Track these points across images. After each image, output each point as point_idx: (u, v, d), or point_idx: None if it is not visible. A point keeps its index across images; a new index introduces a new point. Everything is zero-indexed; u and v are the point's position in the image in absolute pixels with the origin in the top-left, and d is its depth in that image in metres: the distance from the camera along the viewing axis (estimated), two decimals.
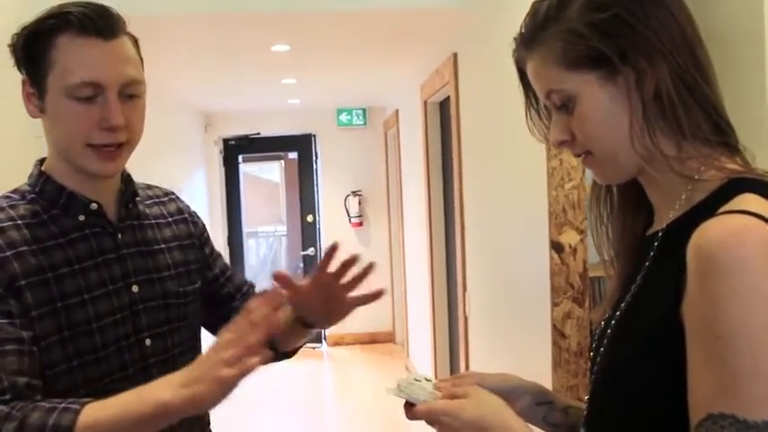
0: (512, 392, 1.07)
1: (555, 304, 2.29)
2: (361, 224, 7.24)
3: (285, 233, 7.64)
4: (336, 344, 7.30)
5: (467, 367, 3.65)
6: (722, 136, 0.88)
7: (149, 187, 1.44)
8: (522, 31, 0.94)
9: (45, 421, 0.99)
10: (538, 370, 2.35)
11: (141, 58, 1.25)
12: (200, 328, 1.44)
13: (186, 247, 1.38)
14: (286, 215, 7.43)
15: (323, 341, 7.30)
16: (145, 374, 1.22)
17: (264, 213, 7.77)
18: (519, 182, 2.62)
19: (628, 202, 1.00)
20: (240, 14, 3.22)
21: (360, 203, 7.21)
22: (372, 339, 7.27)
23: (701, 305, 0.75)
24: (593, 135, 0.90)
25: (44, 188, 1.23)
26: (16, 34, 1.17)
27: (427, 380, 1.07)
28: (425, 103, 4.58)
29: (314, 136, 7.24)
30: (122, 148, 1.20)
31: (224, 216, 7.25)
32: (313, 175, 7.30)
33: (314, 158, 7.28)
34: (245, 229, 7.43)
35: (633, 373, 0.86)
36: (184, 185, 5.85)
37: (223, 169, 7.23)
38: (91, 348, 1.18)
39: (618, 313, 0.93)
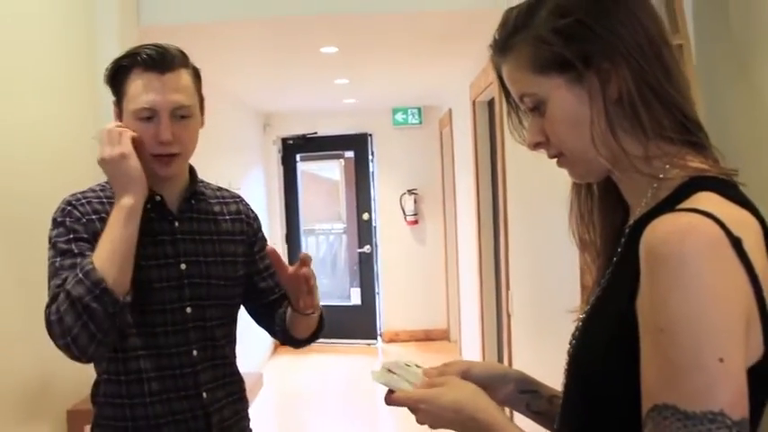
0: (496, 380, 1.12)
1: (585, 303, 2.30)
2: (416, 222, 7.30)
3: (341, 230, 7.76)
4: (392, 340, 7.38)
5: (510, 364, 3.67)
6: (688, 135, 0.90)
7: (220, 189, 1.75)
8: (495, 37, 0.97)
9: (75, 270, 1.38)
10: None
11: (200, 83, 1.58)
12: (237, 309, 1.72)
13: (237, 242, 1.67)
14: (346, 213, 7.56)
15: (378, 337, 7.39)
16: (184, 334, 1.55)
17: (324, 211, 7.90)
18: (552, 179, 2.64)
19: (608, 199, 1.02)
20: (289, 18, 3.33)
21: (415, 202, 7.27)
22: (427, 336, 7.32)
23: (648, 299, 0.79)
24: (562, 137, 0.93)
25: None
26: (107, 68, 1.53)
27: (417, 366, 1.12)
28: (474, 101, 4.60)
29: (370, 135, 7.34)
30: (176, 157, 1.53)
31: (282, 214, 7.42)
32: (369, 174, 7.40)
33: (370, 157, 7.38)
34: (303, 226, 7.59)
35: (596, 369, 0.89)
36: (242, 183, 6.03)
37: (281, 168, 7.40)
38: (142, 301, 1.49)
39: (588, 307, 0.97)
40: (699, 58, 2.58)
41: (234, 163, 5.88)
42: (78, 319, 1.34)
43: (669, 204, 0.84)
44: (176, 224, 1.58)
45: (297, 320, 1.65)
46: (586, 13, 0.89)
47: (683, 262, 0.75)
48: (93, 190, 1.57)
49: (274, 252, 1.53)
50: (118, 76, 1.51)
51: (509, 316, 3.63)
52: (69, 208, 1.50)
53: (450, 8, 3.18)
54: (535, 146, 0.97)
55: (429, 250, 7.31)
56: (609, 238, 1.01)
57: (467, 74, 4.72)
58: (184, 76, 1.52)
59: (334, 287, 7.89)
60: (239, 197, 1.76)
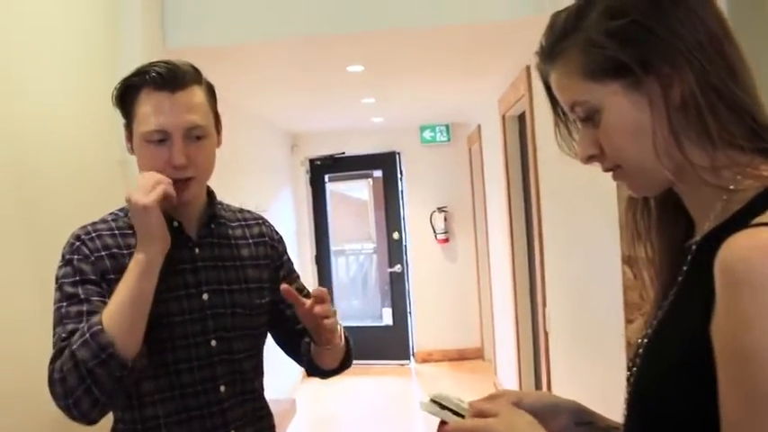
0: (549, 411, 1.04)
1: (628, 321, 2.21)
2: (447, 240, 7.22)
3: (371, 250, 7.70)
4: (424, 360, 7.27)
5: (548, 384, 3.56)
6: (759, 142, 0.82)
7: (241, 211, 1.65)
8: (542, 43, 0.91)
9: (82, 329, 1.27)
10: (614, 388, 2.27)
11: (215, 101, 1.49)
12: (264, 338, 1.63)
13: (262, 267, 1.58)
14: (375, 232, 7.51)
15: (411, 357, 7.29)
16: (210, 369, 1.45)
17: (354, 231, 7.87)
18: (590, 195, 2.56)
19: (667, 213, 0.95)
20: (314, 38, 3.30)
21: (445, 220, 7.20)
22: (461, 356, 7.20)
23: (727, 324, 0.71)
24: (620, 148, 0.86)
25: None
26: (115, 88, 1.43)
27: (460, 400, 1.06)
28: (504, 117, 4.53)
29: (398, 154, 7.29)
30: (191, 181, 1.42)
31: (311, 235, 7.39)
32: (398, 193, 7.34)
33: (399, 176, 7.33)
34: (333, 247, 7.55)
35: (663, 396, 0.81)
36: (271, 205, 6.01)
37: (310, 189, 7.38)
38: (162, 339, 1.40)
39: (650, 331, 0.89)
40: None
41: (262, 185, 5.87)
42: (81, 383, 1.23)
43: (743, 218, 0.76)
44: (196, 251, 1.48)
45: (321, 353, 1.56)
46: (642, 14, 0.82)
47: (765, 282, 0.67)
48: (104, 221, 1.47)
49: (289, 291, 1.40)
50: (127, 96, 1.41)
51: (546, 334, 3.53)
52: (78, 244, 1.40)
53: (475, 22, 3.12)
54: (588, 159, 0.90)
55: (460, 268, 7.22)
56: (670, 255, 0.93)
57: (495, 89, 4.66)
58: (197, 94, 1.42)
59: (365, 307, 7.82)
60: (262, 218, 1.67)
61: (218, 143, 1.51)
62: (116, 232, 1.44)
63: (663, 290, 0.92)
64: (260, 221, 1.64)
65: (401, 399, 6.35)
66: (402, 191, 7.34)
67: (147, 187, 1.34)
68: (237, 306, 1.49)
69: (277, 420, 2.93)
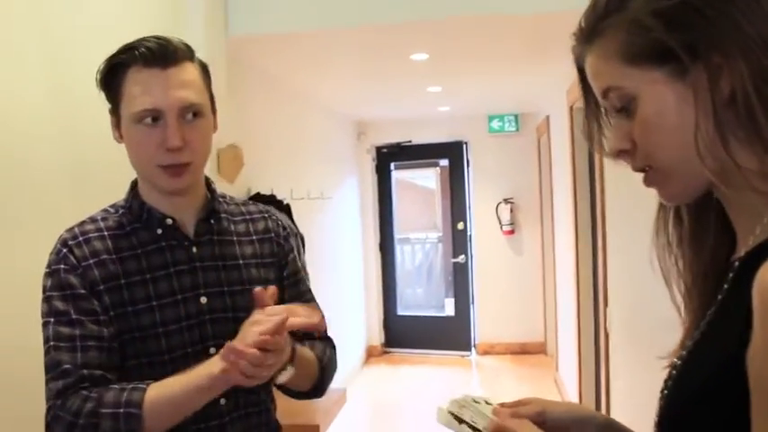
0: (576, 425, 0.99)
1: None
2: (512, 232, 7.09)
3: (435, 240, 7.64)
4: (486, 353, 7.19)
5: (607, 386, 3.45)
6: None
7: (246, 204, 1.51)
8: (581, 23, 0.83)
9: (119, 398, 1.18)
10: None
11: (209, 80, 1.35)
12: None
13: (267, 266, 1.44)
14: (441, 222, 7.46)
15: (472, 349, 7.22)
16: None
17: (420, 220, 7.83)
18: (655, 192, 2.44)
19: (702, 225, 0.86)
20: (377, 25, 3.27)
21: (512, 211, 7.07)
22: (523, 350, 7.09)
23: (763, 353, 0.64)
24: (656, 143, 0.78)
25: (132, 204, 1.37)
26: (99, 69, 1.30)
27: (487, 403, 1.01)
28: (571, 108, 4.40)
29: (465, 143, 7.19)
30: (187, 167, 1.29)
31: (376, 222, 7.39)
32: (464, 183, 7.25)
33: (465, 165, 7.23)
34: (397, 235, 7.53)
35: (693, 422, 0.75)
36: (335, 192, 6.04)
37: (375, 177, 7.38)
38: (157, 350, 1.29)
39: (684, 352, 0.82)
40: None
41: (327, 172, 5.89)
42: None
43: None
44: (194, 250, 1.35)
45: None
46: None
47: None
48: (93, 220, 1.34)
49: (259, 296, 1.23)
50: (113, 76, 1.27)
51: (607, 335, 3.41)
52: (65, 251, 1.28)
53: (540, 10, 3.02)
54: (618, 154, 0.82)
55: (526, 261, 7.08)
56: (708, 271, 0.85)
57: (564, 79, 4.52)
58: (191, 70, 1.29)
59: (428, 297, 7.79)
60: (269, 211, 1.51)
61: (215, 128, 1.38)
62: (105, 233, 1.32)
63: (701, 308, 0.84)
64: (266, 215, 1.49)
65: (460, 391, 6.29)
66: (468, 181, 7.24)
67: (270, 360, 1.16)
68: (239, 310, 1.32)
69: (325, 410, 2.94)
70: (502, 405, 1.00)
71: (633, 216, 2.79)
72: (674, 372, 0.82)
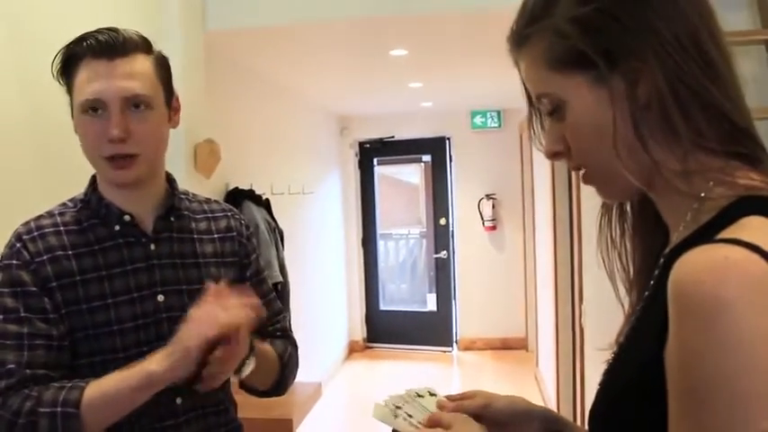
0: (519, 417, 1.00)
1: None
2: (494, 228, 7.12)
3: (417, 235, 7.66)
4: (467, 348, 7.22)
5: (582, 381, 3.48)
6: (736, 146, 0.75)
7: (208, 201, 1.50)
8: (513, 27, 0.84)
9: (57, 397, 1.17)
10: None
11: (167, 74, 1.34)
12: None
13: (228, 265, 1.42)
14: (425, 217, 7.47)
15: (454, 345, 7.25)
16: None
17: (403, 215, 7.84)
18: None
19: (647, 220, 0.87)
20: (355, 20, 3.26)
21: (494, 207, 7.10)
22: (505, 345, 7.12)
23: (677, 353, 0.65)
24: (585, 147, 0.79)
25: (90, 198, 1.36)
26: (54, 60, 1.29)
27: (431, 394, 1.02)
28: None
29: (448, 139, 7.21)
30: (134, 159, 1.27)
31: (359, 218, 7.40)
32: (447, 178, 7.27)
33: (448, 161, 7.25)
34: (380, 230, 7.54)
35: (617, 418, 0.76)
36: (318, 188, 6.03)
37: (358, 172, 7.38)
38: (112, 348, 1.27)
39: (616, 348, 0.83)
40: None
41: (309, 167, 5.89)
42: None
43: (710, 231, 0.69)
44: (152, 247, 1.33)
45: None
46: (612, 1, 0.74)
47: (719, 309, 0.61)
48: (51, 214, 1.32)
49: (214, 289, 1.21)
50: (67, 67, 1.27)
51: (582, 330, 3.44)
52: (19, 246, 1.27)
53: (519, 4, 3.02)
54: (554, 155, 0.83)
55: (507, 257, 7.12)
56: (645, 265, 0.86)
57: None
58: (141, 62, 1.27)
59: (411, 292, 7.81)
60: (232, 210, 1.50)
61: (174, 123, 1.37)
62: (61, 229, 1.30)
63: (634, 305, 0.86)
64: (228, 214, 1.48)
65: (441, 386, 6.31)
66: (451, 176, 7.26)
67: (205, 326, 1.15)
68: None
69: (299, 404, 2.95)
70: (447, 398, 1.01)
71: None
72: (607, 366, 0.84)
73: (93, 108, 1.24)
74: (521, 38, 0.82)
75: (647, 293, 0.80)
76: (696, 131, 0.73)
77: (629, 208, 0.90)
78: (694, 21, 0.75)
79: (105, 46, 1.24)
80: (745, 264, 0.63)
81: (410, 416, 0.95)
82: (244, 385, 1.42)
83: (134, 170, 1.28)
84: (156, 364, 1.17)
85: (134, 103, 1.26)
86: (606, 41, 0.75)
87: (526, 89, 0.86)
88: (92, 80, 1.24)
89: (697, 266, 0.64)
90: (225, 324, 1.16)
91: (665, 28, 0.73)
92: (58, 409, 1.15)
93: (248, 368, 1.27)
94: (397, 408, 0.97)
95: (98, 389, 1.18)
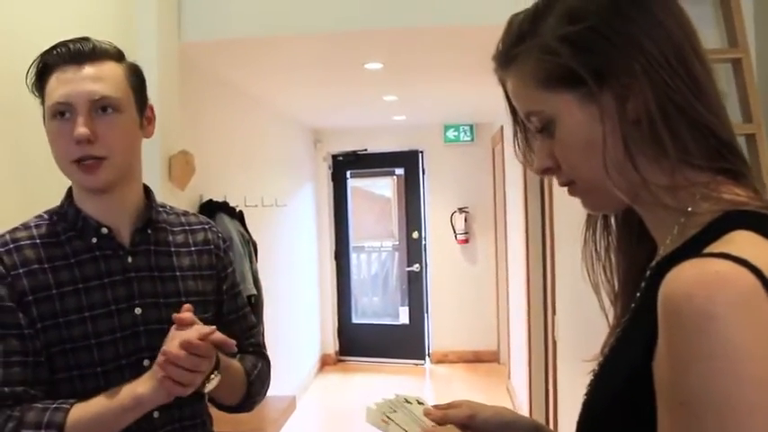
0: (505, 427, 1.01)
1: None
2: (467, 241, 7.16)
3: (390, 248, 7.67)
4: (440, 361, 7.23)
5: (554, 394, 3.50)
6: (721, 161, 0.77)
7: (186, 214, 1.49)
8: (499, 47, 0.85)
9: (40, 419, 1.16)
10: None
11: (139, 82, 1.33)
12: None
13: (205, 278, 1.42)
14: (397, 230, 7.49)
15: (426, 358, 7.25)
16: None
17: (376, 228, 7.85)
18: None
19: (630, 233, 0.89)
20: (331, 33, 3.27)
21: (466, 220, 7.14)
22: (477, 358, 7.15)
23: (666, 364, 0.66)
24: (575, 163, 0.81)
25: (67, 210, 1.33)
26: (29, 70, 1.28)
27: (419, 403, 1.02)
28: None
29: (421, 152, 7.25)
30: (101, 162, 1.25)
31: (332, 231, 7.39)
32: (419, 192, 7.30)
33: (421, 174, 7.29)
34: (353, 243, 7.54)
35: (603, 430, 0.77)
36: (290, 200, 6.02)
37: (332, 185, 7.38)
38: (89, 362, 1.25)
39: (602, 359, 0.84)
40: (760, 74, 2.40)
41: (282, 180, 5.87)
42: None
43: (697, 245, 0.71)
44: (129, 259, 1.32)
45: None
46: (600, 20, 0.76)
47: (708, 322, 0.62)
48: (27, 227, 1.30)
49: (180, 319, 1.21)
50: (39, 79, 1.28)
51: (554, 342, 3.47)
52: None
53: (494, 22, 3.05)
54: (544, 171, 0.85)
55: (480, 270, 7.16)
56: (630, 278, 0.88)
57: None
58: (110, 67, 1.27)
59: (384, 305, 7.81)
60: (209, 223, 1.50)
61: (148, 133, 1.37)
62: (38, 242, 1.28)
63: (619, 318, 0.87)
64: (206, 227, 1.47)
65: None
66: (423, 190, 7.29)
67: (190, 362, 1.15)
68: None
69: (273, 419, 2.93)
70: (434, 407, 1.02)
71: (579, 226, 2.85)
72: (593, 378, 0.85)
73: (61, 113, 1.24)
74: (508, 57, 0.83)
75: (633, 305, 0.81)
76: (683, 148, 0.75)
77: (613, 221, 0.91)
78: (679, 38, 0.77)
79: (75, 53, 1.25)
80: (734, 278, 0.64)
81: (401, 426, 0.96)
82: (211, 400, 1.41)
83: (102, 174, 1.26)
84: (142, 386, 1.18)
85: (101, 105, 1.25)
86: (596, 60, 0.76)
87: (511, 107, 0.88)
88: (60, 85, 1.24)
89: (688, 281, 0.65)
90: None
91: (652, 46, 0.75)
92: (42, 430, 1.14)
93: (212, 383, 1.25)
94: (389, 414, 0.98)
95: (83, 411, 1.18)
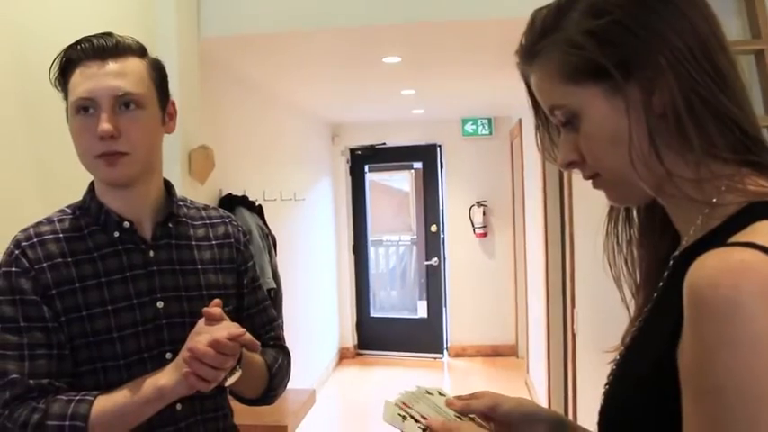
0: (527, 419, 1.01)
1: None
2: (485, 235, 7.15)
3: (408, 242, 7.67)
4: (458, 355, 7.23)
5: (574, 387, 3.50)
6: (747, 154, 0.77)
7: (206, 208, 1.50)
8: (522, 42, 0.86)
9: (65, 410, 1.18)
10: None
11: (161, 78, 1.34)
12: None
13: (225, 271, 1.43)
14: (416, 224, 7.49)
15: (444, 351, 7.26)
16: None
17: (394, 222, 7.85)
18: None
19: (653, 224, 0.90)
20: (349, 28, 3.28)
21: (484, 214, 7.13)
22: (495, 352, 7.14)
23: (691, 351, 0.67)
24: (598, 155, 0.81)
25: (90, 205, 1.35)
26: (52, 66, 1.29)
27: (441, 394, 1.03)
28: None
29: (439, 146, 7.24)
30: (124, 157, 1.26)
31: (350, 224, 7.41)
32: (438, 185, 7.30)
33: (439, 168, 7.28)
34: (371, 237, 7.55)
35: (629, 416, 0.78)
36: (309, 194, 6.04)
37: (349, 179, 7.39)
38: (112, 355, 1.27)
39: (623, 348, 0.85)
40: None
41: (301, 174, 5.90)
42: None
43: (721, 235, 0.72)
44: (151, 253, 1.33)
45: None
46: (626, 13, 0.77)
47: (734, 310, 0.63)
48: (50, 221, 1.32)
49: (210, 313, 1.24)
50: (63, 75, 1.28)
51: (574, 336, 3.46)
52: (17, 253, 1.26)
53: (511, 15, 3.05)
54: (568, 165, 0.86)
55: (498, 264, 7.14)
56: (652, 269, 0.88)
57: None
58: (134, 63, 1.28)
59: (402, 299, 7.82)
60: (229, 217, 1.51)
61: (170, 128, 1.38)
62: (60, 236, 1.29)
63: (640, 308, 0.87)
64: (226, 220, 1.49)
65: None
66: (442, 183, 7.29)
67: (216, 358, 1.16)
68: (196, 315, 1.28)
69: (293, 411, 2.96)
70: (456, 398, 1.03)
71: (599, 219, 2.84)
72: (615, 367, 0.85)
73: (85, 108, 1.25)
74: (532, 52, 0.84)
75: (655, 295, 0.82)
76: (708, 141, 0.76)
77: (635, 214, 0.92)
78: (704, 31, 0.78)
79: (98, 48, 1.25)
80: (759, 266, 0.65)
81: (423, 416, 0.97)
82: (232, 393, 1.43)
83: (125, 168, 1.27)
84: (165, 377, 1.20)
85: (124, 101, 1.25)
86: (621, 53, 0.77)
87: (534, 101, 0.89)
88: (84, 81, 1.24)
89: (713, 269, 0.66)
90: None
91: (677, 39, 0.76)
92: (66, 423, 1.16)
93: (233, 377, 1.26)
94: (408, 407, 0.99)
95: (107, 402, 1.20)
